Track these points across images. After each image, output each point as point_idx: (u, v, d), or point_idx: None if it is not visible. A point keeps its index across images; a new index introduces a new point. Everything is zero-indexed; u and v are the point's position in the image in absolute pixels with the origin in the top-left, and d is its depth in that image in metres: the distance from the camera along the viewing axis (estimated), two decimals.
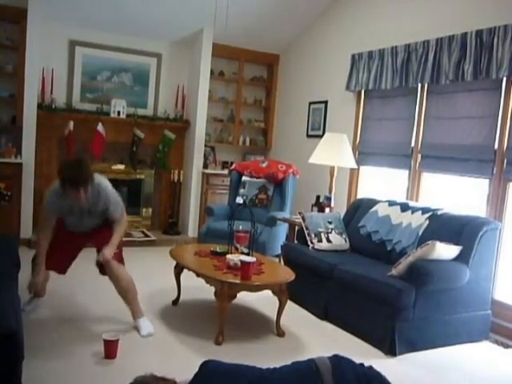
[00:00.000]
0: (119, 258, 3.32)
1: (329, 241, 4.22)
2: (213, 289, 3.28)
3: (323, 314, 3.82)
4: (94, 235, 3.35)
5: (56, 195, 3.14)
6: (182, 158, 6.44)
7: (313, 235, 4.23)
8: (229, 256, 3.45)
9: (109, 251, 3.15)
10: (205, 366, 1.89)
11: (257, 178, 5.72)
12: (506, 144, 3.82)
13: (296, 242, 4.61)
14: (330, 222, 4.34)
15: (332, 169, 4.90)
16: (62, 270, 3.41)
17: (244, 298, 3.68)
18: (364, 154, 5.20)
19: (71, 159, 3.19)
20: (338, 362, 1.74)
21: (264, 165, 5.77)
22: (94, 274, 3.69)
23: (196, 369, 1.91)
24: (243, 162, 6.38)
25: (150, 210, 6.33)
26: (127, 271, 3.29)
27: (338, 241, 4.27)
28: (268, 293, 3.37)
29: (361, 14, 5.34)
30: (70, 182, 2.97)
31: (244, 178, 5.79)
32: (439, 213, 3.84)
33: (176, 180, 6.29)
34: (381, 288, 3.35)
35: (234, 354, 3.00)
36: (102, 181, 3.24)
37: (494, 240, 3.59)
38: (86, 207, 3.19)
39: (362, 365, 1.79)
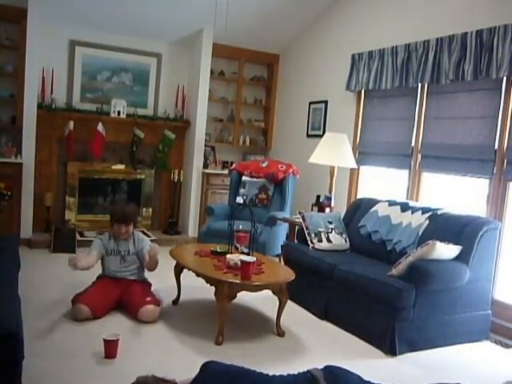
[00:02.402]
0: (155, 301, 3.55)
1: (329, 241, 4.22)
2: (213, 289, 3.28)
3: (323, 314, 3.82)
4: (128, 291, 3.59)
5: (107, 236, 3.77)
6: (182, 157, 6.44)
7: (313, 235, 4.23)
8: (229, 256, 3.45)
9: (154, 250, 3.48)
10: (206, 367, 1.90)
11: (257, 177, 5.71)
12: (506, 144, 3.82)
13: (296, 241, 4.61)
14: (330, 222, 4.34)
15: (332, 169, 4.90)
16: (98, 311, 3.40)
17: (244, 297, 3.68)
18: (364, 153, 5.20)
19: (125, 203, 4.14)
20: (329, 370, 1.88)
21: (264, 165, 5.77)
22: (95, 275, 3.70)
23: (196, 368, 1.91)
24: (243, 161, 6.38)
25: (150, 209, 6.33)
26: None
27: (338, 241, 4.27)
28: (268, 293, 3.37)
29: (361, 14, 5.34)
30: (119, 217, 3.66)
31: (244, 178, 5.79)
32: (439, 213, 3.84)
33: (176, 180, 6.29)
34: (381, 288, 3.35)
35: (233, 354, 3.00)
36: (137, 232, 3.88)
37: (494, 240, 3.59)
38: (126, 248, 3.70)
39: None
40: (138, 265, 3.73)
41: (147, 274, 3.77)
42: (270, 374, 1.91)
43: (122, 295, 3.58)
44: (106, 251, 3.69)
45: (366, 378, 1.92)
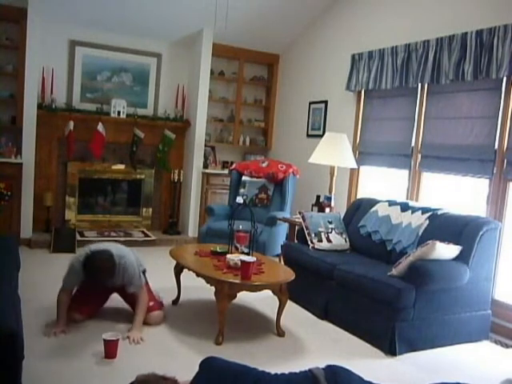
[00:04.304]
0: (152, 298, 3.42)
1: (329, 241, 4.22)
2: (213, 289, 3.28)
3: (323, 314, 3.82)
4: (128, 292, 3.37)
5: (79, 270, 3.14)
6: (181, 157, 6.44)
7: (313, 235, 4.23)
8: (229, 256, 3.45)
9: (136, 334, 3.14)
10: (207, 362, 1.88)
11: (257, 177, 5.72)
12: (506, 144, 3.82)
13: (296, 241, 4.61)
14: (330, 222, 4.34)
15: (332, 169, 4.90)
16: (90, 315, 3.39)
17: (244, 297, 3.68)
18: (364, 153, 5.20)
19: (101, 255, 3.07)
20: (330, 369, 1.86)
21: (264, 165, 5.77)
22: None
23: (195, 368, 1.91)
24: (243, 161, 6.38)
25: (150, 209, 6.33)
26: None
27: (338, 241, 4.27)
28: (268, 293, 3.37)
29: (361, 14, 5.34)
30: (95, 278, 3.10)
31: (244, 178, 5.79)
32: (439, 213, 3.84)
33: (176, 180, 6.29)
34: (381, 288, 3.35)
35: (233, 353, 3.00)
36: (125, 257, 3.24)
37: (494, 240, 3.59)
38: (108, 284, 3.23)
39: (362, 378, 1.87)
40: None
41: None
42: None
43: (118, 293, 3.50)
44: (81, 282, 3.28)
45: (367, 379, 1.91)
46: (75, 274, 3.18)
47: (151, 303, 3.43)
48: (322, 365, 1.95)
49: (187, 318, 3.62)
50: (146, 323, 3.36)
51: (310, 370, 1.86)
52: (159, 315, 3.44)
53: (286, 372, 1.92)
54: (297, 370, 1.93)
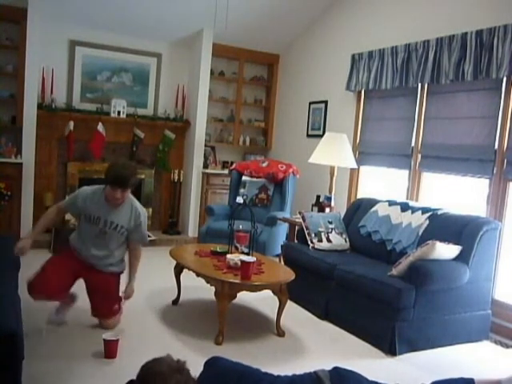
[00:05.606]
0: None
1: (329, 241, 4.22)
2: (213, 289, 3.28)
3: (323, 314, 3.82)
4: (96, 280, 3.24)
5: (92, 194, 3.25)
6: (182, 158, 6.44)
7: (313, 235, 4.23)
8: (229, 256, 3.45)
9: (130, 291, 3.27)
10: (213, 363, 1.88)
11: (257, 177, 5.72)
12: (506, 144, 3.82)
13: (296, 241, 4.61)
14: (330, 222, 4.34)
15: (332, 169, 4.90)
16: (55, 296, 3.15)
17: (244, 297, 3.68)
18: (364, 153, 5.20)
19: (123, 161, 3.36)
20: (336, 372, 1.85)
21: (264, 165, 5.77)
22: None
23: (196, 368, 1.90)
24: (243, 161, 6.38)
25: (150, 209, 6.32)
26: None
27: (338, 241, 4.27)
28: (268, 293, 3.37)
29: (361, 14, 5.34)
30: (116, 178, 3.09)
31: (244, 178, 5.79)
32: (439, 213, 3.84)
33: (176, 180, 6.29)
34: (381, 288, 3.35)
35: (234, 354, 2.99)
36: (138, 203, 3.35)
37: (494, 240, 3.59)
38: (113, 219, 3.20)
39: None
40: (119, 247, 3.30)
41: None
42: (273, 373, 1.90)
43: (83, 273, 3.26)
44: (86, 215, 3.19)
45: (372, 379, 1.90)
46: (79, 197, 3.24)
47: (116, 306, 3.25)
48: (322, 365, 1.95)
49: (187, 318, 3.62)
50: (102, 327, 3.19)
51: (314, 372, 1.84)
52: (119, 320, 3.29)
53: (289, 373, 1.91)
54: (297, 370, 1.93)
